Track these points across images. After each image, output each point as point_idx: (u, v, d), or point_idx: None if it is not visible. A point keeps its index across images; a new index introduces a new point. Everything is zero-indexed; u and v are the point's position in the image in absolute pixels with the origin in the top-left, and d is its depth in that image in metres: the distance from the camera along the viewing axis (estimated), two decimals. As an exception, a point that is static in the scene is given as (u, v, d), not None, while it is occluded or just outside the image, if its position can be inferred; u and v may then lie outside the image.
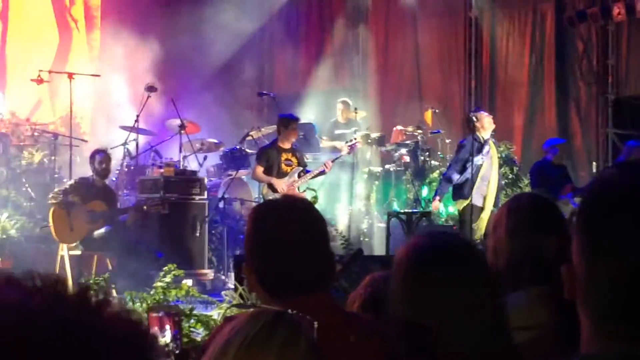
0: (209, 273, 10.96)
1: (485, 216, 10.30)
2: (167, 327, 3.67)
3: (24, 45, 15.29)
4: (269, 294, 2.57)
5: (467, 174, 10.39)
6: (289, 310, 1.99)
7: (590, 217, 1.44)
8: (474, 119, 10.62)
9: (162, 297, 8.17)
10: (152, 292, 8.59)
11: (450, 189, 10.65)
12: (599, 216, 1.42)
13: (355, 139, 12.46)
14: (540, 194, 3.36)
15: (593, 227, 1.42)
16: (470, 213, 10.30)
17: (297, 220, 2.60)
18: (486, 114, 10.84)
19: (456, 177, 10.49)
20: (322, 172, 11.51)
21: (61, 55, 15.90)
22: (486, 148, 10.50)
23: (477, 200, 10.46)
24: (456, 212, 11.23)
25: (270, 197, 10.84)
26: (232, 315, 2.58)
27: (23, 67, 13.62)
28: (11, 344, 0.73)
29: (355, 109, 14.31)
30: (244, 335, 1.88)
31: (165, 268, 9.49)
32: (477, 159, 10.40)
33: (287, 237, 2.56)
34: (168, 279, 9.34)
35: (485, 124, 10.57)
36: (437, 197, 10.79)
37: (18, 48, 15.32)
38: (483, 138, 10.52)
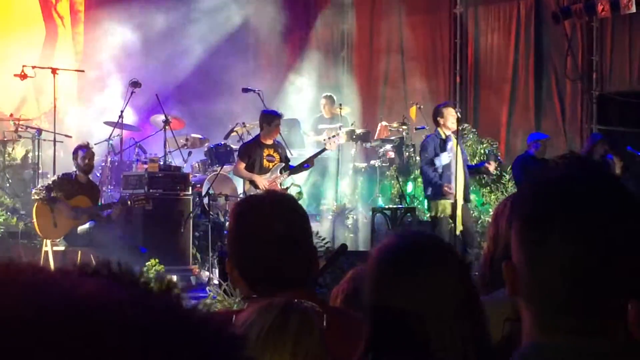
0: (194, 269, 10.94)
1: (458, 212, 10.24)
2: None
3: (9, 40, 15.21)
4: (251, 289, 2.57)
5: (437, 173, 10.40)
6: (295, 300, 2.00)
7: (531, 212, 1.44)
8: (438, 114, 10.54)
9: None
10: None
11: (430, 190, 10.53)
12: (540, 212, 1.42)
13: (337, 134, 12.47)
14: None
15: (535, 222, 1.42)
16: (452, 210, 10.27)
17: (279, 215, 2.60)
18: (453, 111, 10.66)
19: (434, 175, 10.45)
20: (307, 167, 11.51)
21: (47, 51, 15.85)
22: (449, 144, 10.37)
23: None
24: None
25: (249, 192, 10.86)
26: (220, 311, 2.57)
27: (9, 63, 13.53)
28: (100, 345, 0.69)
29: (340, 104, 14.31)
30: (259, 328, 1.89)
31: (148, 263, 9.50)
32: (444, 157, 10.35)
33: (269, 233, 2.56)
34: (151, 274, 9.34)
35: (448, 123, 10.41)
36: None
37: (3, 43, 15.24)
38: (445, 134, 10.42)
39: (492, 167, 11.09)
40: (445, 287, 2.02)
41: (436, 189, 10.35)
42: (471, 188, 12.69)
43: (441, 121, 10.45)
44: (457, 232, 10.14)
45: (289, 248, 2.56)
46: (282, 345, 1.89)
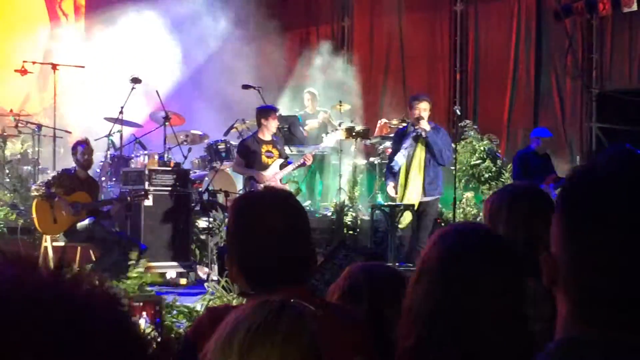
0: (193, 265, 10.95)
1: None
2: (145, 315, 3.67)
3: (15, 37, 15.26)
4: (250, 285, 2.58)
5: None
6: (292, 300, 2.01)
7: (576, 207, 1.44)
8: (408, 106, 10.58)
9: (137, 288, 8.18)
10: (128, 282, 8.59)
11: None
12: (585, 207, 1.42)
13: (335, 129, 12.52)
14: (535, 184, 3.39)
15: (580, 217, 1.42)
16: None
17: (278, 211, 2.61)
18: (422, 103, 10.39)
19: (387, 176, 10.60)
20: (303, 164, 11.53)
21: (51, 48, 15.89)
22: (408, 141, 10.41)
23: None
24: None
25: (249, 188, 10.87)
26: (218, 306, 2.58)
27: (14, 59, 13.55)
28: None
29: (340, 101, 14.33)
30: (250, 324, 1.90)
31: (133, 256, 9.48)
32: (399, 158, 10.42)
33: (268, 229, 2.57)
34: (141, 267, 9.33)
35: (415, 113, 10.36)
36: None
37: (8, 40, 15.28)
38: (410, 128, 10.53)
39: (423, 124, 10.43)
40: (503, 281, 2.05)
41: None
42: (470, 185, 12.75)
43: (410, 113, 10.58)
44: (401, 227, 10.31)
45: (288, 244, 2.57)
46: (271, 344, 1.89)
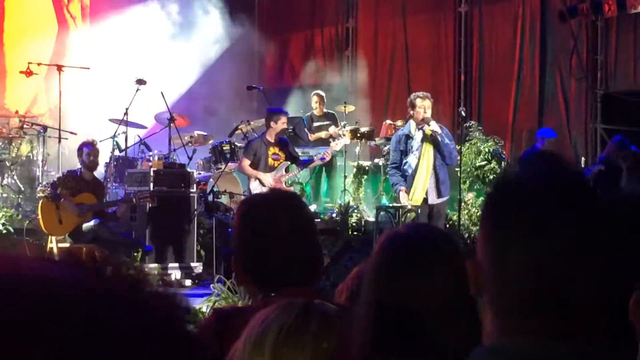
0: (198, 266, 10.97)
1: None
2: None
3: (23, 39, 15.33)
4: (257, 286, 2.58)
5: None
6: (315, 300, 2.03)
7: (497, 213, 1.43)
8: (410, 105, 10.01)
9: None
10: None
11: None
12: (506, 212, 1.41)
13: (343, 134, 12.49)
14: None
15: (501, 223, 1.41)
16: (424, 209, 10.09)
17: (285, 213, 2.61)
18: (426, 101, 9.94)
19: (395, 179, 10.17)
20: (322, 159, 11.57)
21: (59, 50, 15.94)
22: (415, 143, 9.98)
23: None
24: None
25: (253, 190, 10.89)
26: (224, 307, 2.59)
27: (22, 62, 13.59)
28: (45, 316, 0.73)
29: (345, 102, 14.34)
30: (278, 327, 1.92)
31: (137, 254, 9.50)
32: (411, 160, 9.99)
33: (274, 231, 2.58)
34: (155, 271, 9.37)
35: (419, 112, 9.86)
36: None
37: (16, 43, 15.36)
38: (414, 129, 10.00)
39: (433, 125, 9.92)
40: (449, 282, 2.04)
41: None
42: (475, 186, 12.71)
43: (412, 112, 9.99)
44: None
45: (295, 246, 2.58)
46: (302, 346, 1.92)
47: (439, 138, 9.84)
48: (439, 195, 10.00)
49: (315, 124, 14.11)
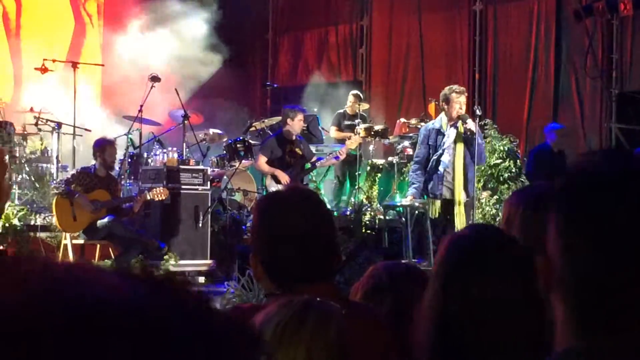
0: (211, 263, 10.98)
1: (461, 210, 9.68)
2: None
3: (41, 37, 15.41)
4: (275, 284, 2.59)
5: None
6: (317, 298, 2.02)
7: (571, 206, 1.40)
8: (444, 99, 9.62)
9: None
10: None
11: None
12: (578, 204, 1.39)
13: (359, 133, 12.48)
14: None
15: (574, 217, 1.39)
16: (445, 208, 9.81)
17: (304, 211, 2.62)
18: (462, 97, 9.62)
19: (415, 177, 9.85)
20: (337, 158, 11.57)
21: (75, 48, 16.01)
22: (447, 139, 9.66)
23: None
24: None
25: (273, 188, 10.88)
26: (244, 305, 2.60)
27: (39, 59, 13.64)
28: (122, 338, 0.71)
29: (359, 101, 14.34)
30: (276, 323, 1.92)
31: (166, 257, 9.54)
32: (445, 158, 9.66)
33: (294, 228, 2.58)
34: (169, 267, 9.38)
35: (454, 108, 9.52)
36: None
37: (35, 40, 15.43)
38: (445, 125, 9.69)
39: (470, 124, 9.64)
40: (513, 284, 2.02)
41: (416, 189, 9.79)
42: (489, 185, 12.65)
43: (446, 107, 9.60)
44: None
45: (313, 243, 2.58)
46: (298, 341, 1.92)
47: (475, 137, 9.52)
48: (467, 194, 9.79)
49: (347, 122, 14.06)
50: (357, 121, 13.55)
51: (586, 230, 1.37)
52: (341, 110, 14.33)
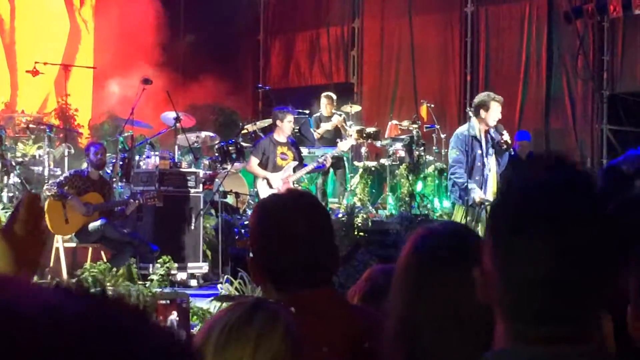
0: (204, 266, 10.96)
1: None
2: (174, 313, 3.67)
3: (34, 40, 15.39)
4: (274, 287, 2.58)
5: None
6: (286, 302, 2.03)
7: (502, 220, 1.42)
8: (482, 106, 9.16)
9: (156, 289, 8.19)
10: (147, 285, 8.61)
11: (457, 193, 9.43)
12: (511, 219, 1.40)
13: (350, 135, 12.47)
14: None
15: (506, 230, 1.40)
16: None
17: (303, 214, 2.61)
18: (500, 106, 9.25)
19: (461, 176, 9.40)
20: (322, 167, 11.54)
21: (71, 51, 16.00)
22: (483, 146, 9.35)
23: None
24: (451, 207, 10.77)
25: (261, 189, 10.91)
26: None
27: (34, 61, 13.64)
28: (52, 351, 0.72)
29: (350, 102, 14.34)
30: (223, 323, 1.96)
31: (160, 260, 9.52)
32: (492, 162, 9.39)
33: (293, 232, 2.57)
34: (162, 271, 9.37)
35: (490, 119, 9.16)
36: None
37: (28, 42, 15.40)
38: (479, 132, 9.35)
39: (506, 136, 9.38)
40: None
41: (463, 192, 9.26)
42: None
43: (483, 114, 9.13)
44: None
45: (312, 245, 2.57)
46: (245, 341, 1.94)
47: (509, 148, 9.24)
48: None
49: (323, 124, 14.10)
50: (348, 123, 13.61)
51: (516, 242, 1.38)
52: (317, 114, 14.33)
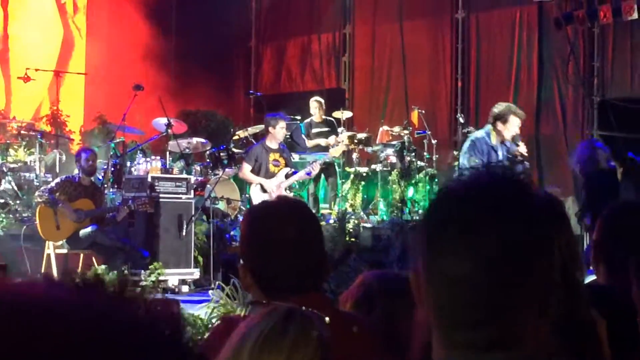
0: (195, 272, 10.95)
1: None
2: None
3: (28, 46, 15.38)
4: (265, 293, 2.59)
5: None
6: (302, 307, 2.02)
7: (428, 223, 1.42)
8: (501, 118, 8.82)
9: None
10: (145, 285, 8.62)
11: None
12: (435, 222, 1.41)
13: (341, 141, 12.47)
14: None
15: (432, 233, 1.40)
16: None
17: (294, 221, 2.63)
18: (519, 121, 8.95)
19: None
20: (309, 174, 11.55)
21: (64, 57, 16.00)
22: (498, 156, 8.96)
23: None
24: None
25: (254, 195, 10.91)
26: (232, 315, 2.61)
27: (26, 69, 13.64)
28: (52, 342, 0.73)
29: (341, 108, 14.34)
30: (258, 332, 1.93)
31: (151, 266, 9.53)
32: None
33: (283, 238, 2.58)
34: (153, 277, 9.37)
35: (506, 132, 8.85)
36: None
37: (21, 49, 15.40)
38: (495, 142, 9.00)
39: (522, 148, 9.06)
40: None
41: None
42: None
43: (500, 127, 8.82)
44: None
45: (302, 252, 2.59)
46: (278, 351, 1.92)
47: (523, 161, 8.94)
48: None
49: (314, 130, 14.08)
50: (327, 129, 13.65)
51: (440, 246, 1.38)
52: (307, 120, 14.29)
